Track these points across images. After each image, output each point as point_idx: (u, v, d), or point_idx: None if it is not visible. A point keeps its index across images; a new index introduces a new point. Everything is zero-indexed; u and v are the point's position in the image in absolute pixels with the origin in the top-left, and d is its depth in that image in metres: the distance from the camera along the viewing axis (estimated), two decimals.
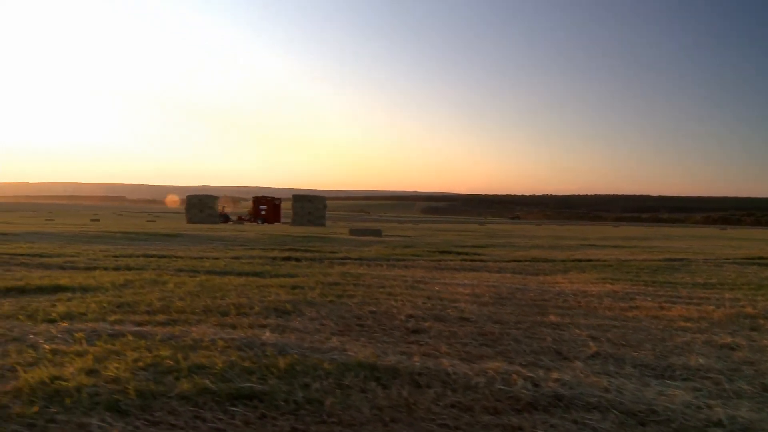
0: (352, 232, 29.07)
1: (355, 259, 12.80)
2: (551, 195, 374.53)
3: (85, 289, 6.66)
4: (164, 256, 11.80)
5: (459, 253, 16.49)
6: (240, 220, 62.95)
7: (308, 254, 13.80)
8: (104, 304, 5.53)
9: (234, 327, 4.59)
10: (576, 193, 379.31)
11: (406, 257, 14.08)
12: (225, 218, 68.88)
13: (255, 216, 64.03)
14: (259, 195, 71.80)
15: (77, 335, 4.15)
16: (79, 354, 3.65)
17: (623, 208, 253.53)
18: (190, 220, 59.54)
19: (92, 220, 64.37)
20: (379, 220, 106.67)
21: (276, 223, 63.23)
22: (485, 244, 23.64)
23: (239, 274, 8.90)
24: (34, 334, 4.20)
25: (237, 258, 11.95)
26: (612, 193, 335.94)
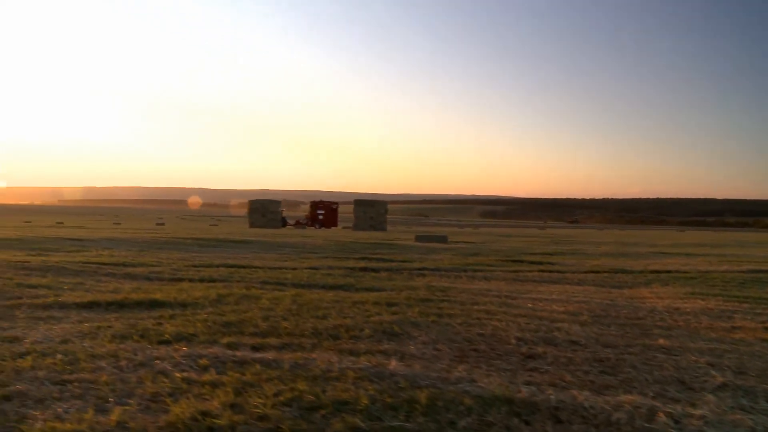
0: (418, 238, 28.95)
1: (432, 270, 12.69)
2: (611, 198, 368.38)
3: (182, 305, 6.68)
4: (243, 267, 11.85)
5: (532, 263, 16.23)
6: (298, 224, 63.41)
7: (384, 264, 13.74)
8: (209, 323, 5.51)
9: (353, 353, 4.52)
10: (637, 197, 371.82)
11: (481, 267, 13.91)
12: (283, 222, 69.50)
13: (313, 220, 64.42)
14: (317, 199, 72.27)
15: (201, 362, 4.11)
16: (214, 385, 3.61)
17: (686, 212, 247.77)
18: (252, 225, 60.28)
19: (158, 224, 65.78)
20: (438, 224, 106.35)
21: (333, 227, 63.60)
22: (553, 251, 23.28)
23: (326, 288, 8.86)
24: (159, 359, 4.19)
25: (315, 269, 11.94)
26: (675, 196, 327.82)
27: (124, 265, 11.49)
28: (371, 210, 56.67)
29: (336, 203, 67.17)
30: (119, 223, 72.09)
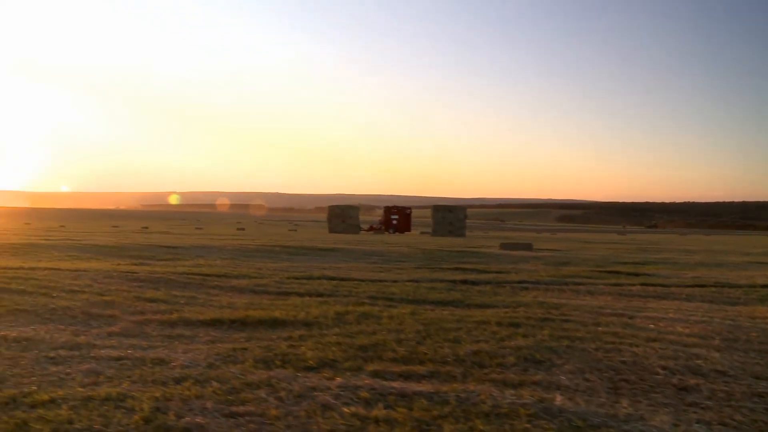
0: (503, 246, 28.60)
1: (533, 283, 12.39)
2: (691, 202, 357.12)
3: (305, 324, 6.61)
4: (344, 279, 11.80)
5: (629, 274, 15.74)
6: (371, 229, 63.58)
7: (480, 276, 13.49)
8: (344, 347, 5.41)
9: (508, 385, 4.34)
10: (720, 200, 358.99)
11: (580, 279, 13.52)
12: (370, 229, 69.83)
13: (386, 225, 64.49)
14: (390, 204, 72.31)
15: (361, 394, 4.01)
16: (389, 423, 3.50)
17: None
18: (331, 230, 60.74)
19: (238, 229, 67.07)
20: (515, 229, 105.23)
21: (407, 232, 63.63)
22: (643, 260, 22.62)
23: (438, 304, 8.70)
24: (315, 389, 4.10)
25: (416, 281, 11.79)
26: (762, 200, 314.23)
27: (227, 276, 11.59)
28: (450, 215, 56.36)
29: (409, 208, 67.23)
30: (201, 228, 73.77)
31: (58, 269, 11.84)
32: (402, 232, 62.80)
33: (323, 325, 6.61)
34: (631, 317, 8.13)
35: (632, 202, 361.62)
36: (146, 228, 67.33)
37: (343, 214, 60.93)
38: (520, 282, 12.47)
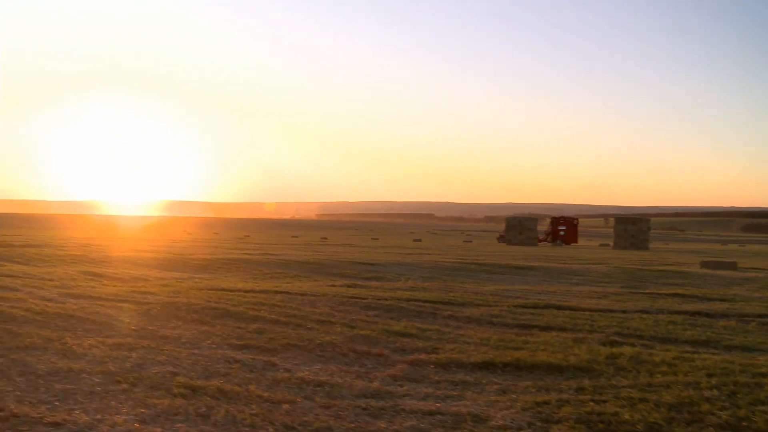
0: (704, 264, 26.81)
1: None
2: None
3: (582, 370, 6.24)
4: (573, 309, 11.25)
5: None
6: (540, 241, 62.08)
7: (713, 306, 12.53)
8: (652, 405, 4.96)
9: None
10: None
11: None
12: (503, 239, 68.53)
13: (554, 237, 62.87)
14: (557, 215, 70.50)
15: None
16: None
17: None
18: (508, 242, 60.02)
19: (414, 240, 67.71)
20: (697, 239, 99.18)
21: (573, 243, 61.82)
22: None
23: (693, 344, 8.10)
24: None
25: (646, 312, 11.15)
26: None
27: (452, 303, 11.46)
28: (633, 228, 53.92)
29: (576, 219, 65.44)
30: (377, 239, 75.17)
31: (287, 293, 12.23)
32: (569, 243, 61.10)
33: (602, 372, 6.27)
34: None
35: None
36: (325, 239, 69.59)
37: (520, 226, 60.01)
38: (760, 316, 11.46)
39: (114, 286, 12.89)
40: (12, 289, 11.61)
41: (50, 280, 13.91)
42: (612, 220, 64.43)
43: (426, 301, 11.52)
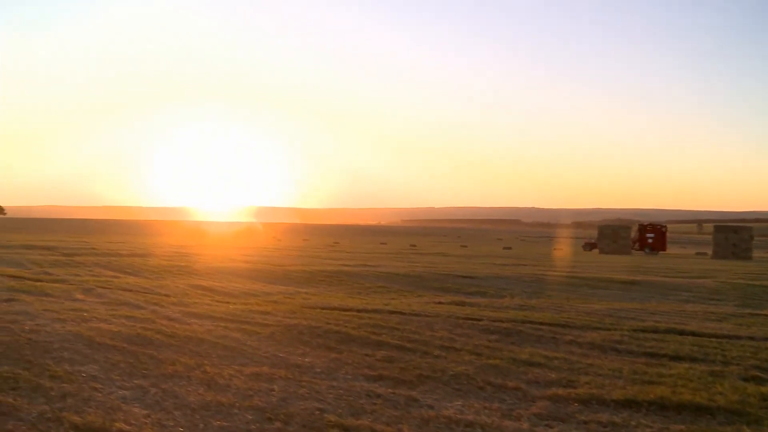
0: None
1: None
2: None
3: (738, 414, 5.91)
4: (696, 334, 10.73)
5: None
6: (630, 249, 60.42)
7: None
8: None
9: None
10: None
11: None
12: (591, 246, 67.11)
13: (641, 244, 61.06)
14: (644, 222, 68.56)
15: None
16: None
17: None
18: (601, 251, 58.79)
19: (504, 248, 67.09)
20: None
21: (662, 251, 59.96)
22: None
23: None
24: None
25: None
26: None
27: (567, 326, 11.15)
28: (734, 237, 51.87)
29: (664, 226, 63.53)
30: (466, 246, 74.83)
31: (401, 312, 12.19)
32: (657, 251, 59.23)
33: (761, 418, 5.92)
34: None
35: None
36: (414, 246, 69.69)
37: (613, 235, 58.66)
38: None
39: (227, 303, 13.17)
40: (136, 306, 12.02)
41: (166, 295, 14.34)
42: (707, 227, 62.25)
43: (542, 324, 11.28)
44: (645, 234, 60.32)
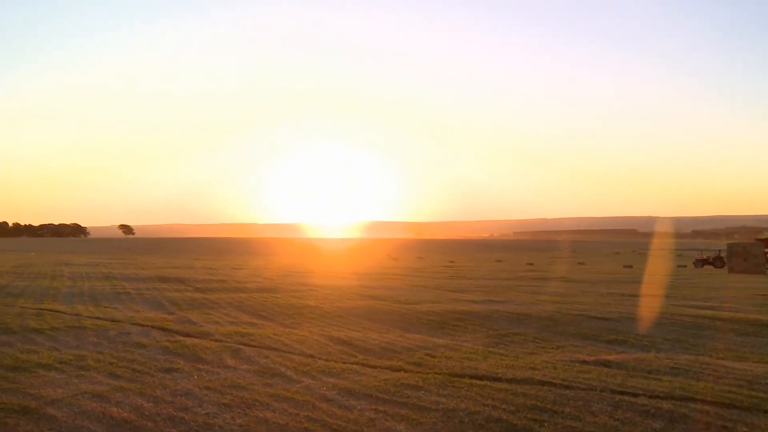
0: None
1: None
2: None
3: None
4: None
5: None
6: (765, 269, 55.90)
7: None
8: None
9: None
10: None
11: None
12: (702, 263, 63.43)
13: (762, 262, 55.91)
14: (764, 237, 64.18)
15: None
16: None
17: None
18: (731, 270, 55.94)
19: (625, 266, 64.85)
20: None
21: None
22: None
23: None
24: None
25: None
26: None
27: (733, 407, 10.24)
28: None
29: None
30: (583, 263, 72.80)
31: (552, 384, 11.72)
32: None
33: None
34: None
35: None
36: (531, 265, 68.44)
37: (744, 253, 55.58)
38: None
39: (373, 367, 13.22)
40: (288, 378, 12.18)
41: (311, 356, 14.49)
42: None
43: (704, 401, 10.57)
44: (765, 249, 55.92)
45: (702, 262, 64.58)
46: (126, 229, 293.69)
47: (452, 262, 73.83)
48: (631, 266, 64.60)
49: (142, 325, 18.49)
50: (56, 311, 21.76)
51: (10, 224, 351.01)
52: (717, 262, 63.34)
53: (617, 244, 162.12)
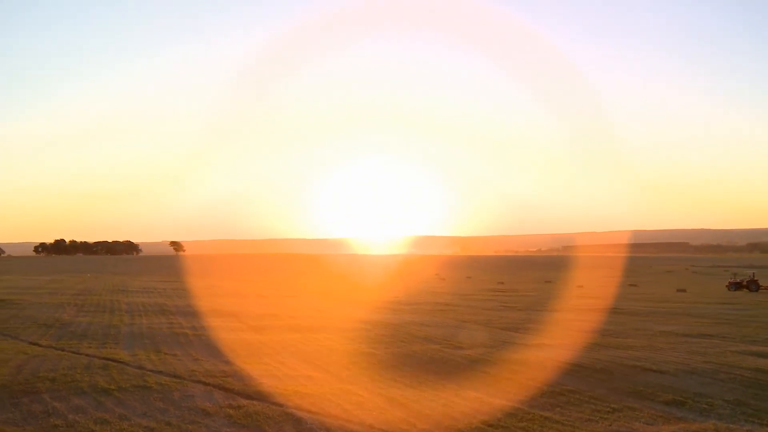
0: None
1: None
2: None
3: None
4: None
5: None
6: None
7: None
8: None
9: None
10: None
11: None
12: (737, 286, 61.73)
13: None
14: None
15: None
16: None
17: None
18: None
19: (678, 290, 63.47)
20: None
21: None
22: None
23: None
24: None
25: None
26: None
27: None
28: None
29: None
30: (635, 285, 71.70)
31: None
32: None
33: None
34: None
35: None
36: (581, 288, 67.67)
37: None
38: None
39: None
40: None
41: (370, 426, 14.71)
42: None
43: None
44: None
45: (736, 285, 62.78)
46: (176, 246, 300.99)
47: (501, 283, 73.29)
48: (684, 290, 63.32)
49: (204, 384, 18.91)
50: (120, 362, 22.34)
51: (67, 241, 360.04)
52: (752, 285, 61.42)
53: (669, 260, 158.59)
